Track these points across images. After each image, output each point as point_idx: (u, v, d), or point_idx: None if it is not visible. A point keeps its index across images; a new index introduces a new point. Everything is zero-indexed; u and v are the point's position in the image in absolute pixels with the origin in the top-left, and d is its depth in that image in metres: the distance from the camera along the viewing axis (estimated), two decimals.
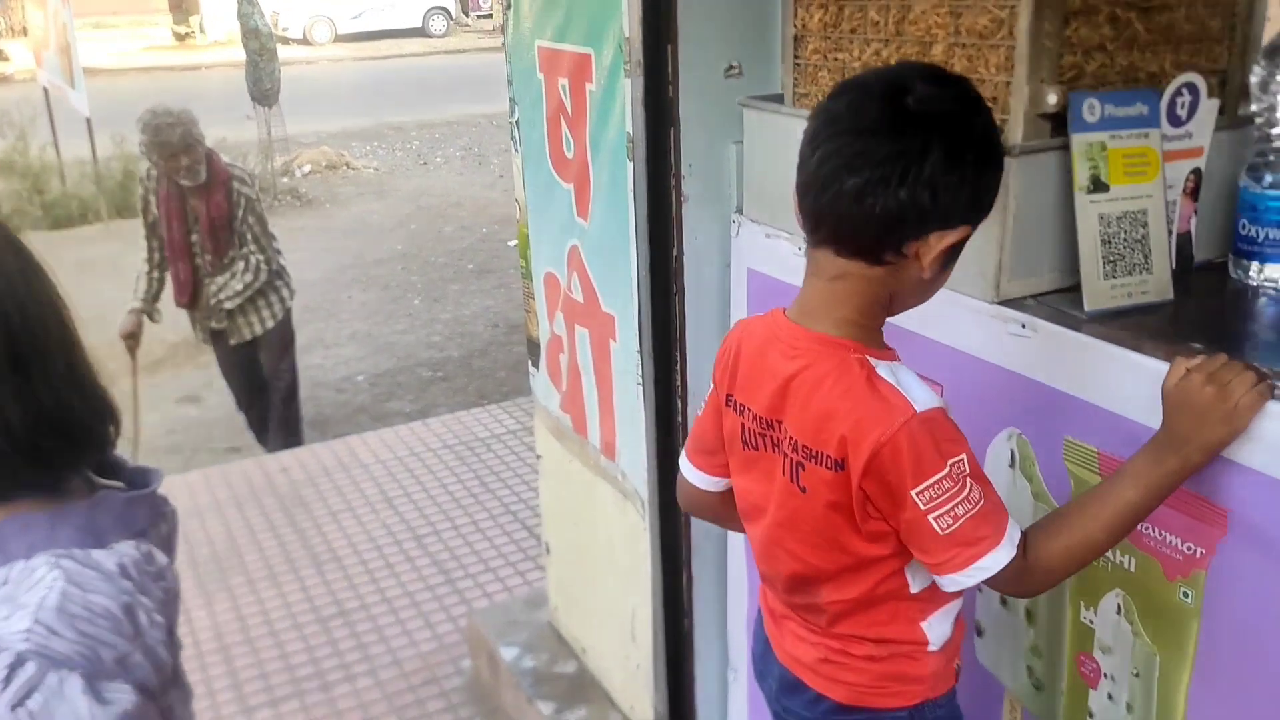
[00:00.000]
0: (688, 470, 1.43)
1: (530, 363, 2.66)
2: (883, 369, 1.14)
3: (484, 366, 5.95)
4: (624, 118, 1.92)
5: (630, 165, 1.91)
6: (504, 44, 2.38)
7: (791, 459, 1.21)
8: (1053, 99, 1.33)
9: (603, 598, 2.51)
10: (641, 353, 2.02)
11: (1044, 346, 1.35)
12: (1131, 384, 1.24)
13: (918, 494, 1.11)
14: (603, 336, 2.20)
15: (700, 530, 2.15)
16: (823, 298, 1.18)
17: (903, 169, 1.07)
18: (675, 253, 1.95)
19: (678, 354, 2.02)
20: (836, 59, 1.65)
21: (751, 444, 1.27)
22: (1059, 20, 1.33)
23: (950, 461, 1.10)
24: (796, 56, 1.73)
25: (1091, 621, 1.38)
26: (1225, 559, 1.20)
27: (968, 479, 1.12)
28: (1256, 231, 1.43)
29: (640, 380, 2.04)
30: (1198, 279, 1.48)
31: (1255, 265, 1.44)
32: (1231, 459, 1.15)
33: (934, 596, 1.26)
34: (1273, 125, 1.39)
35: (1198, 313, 1.39)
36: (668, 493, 2.11)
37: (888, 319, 1.20)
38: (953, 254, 1.14)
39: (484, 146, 12.14)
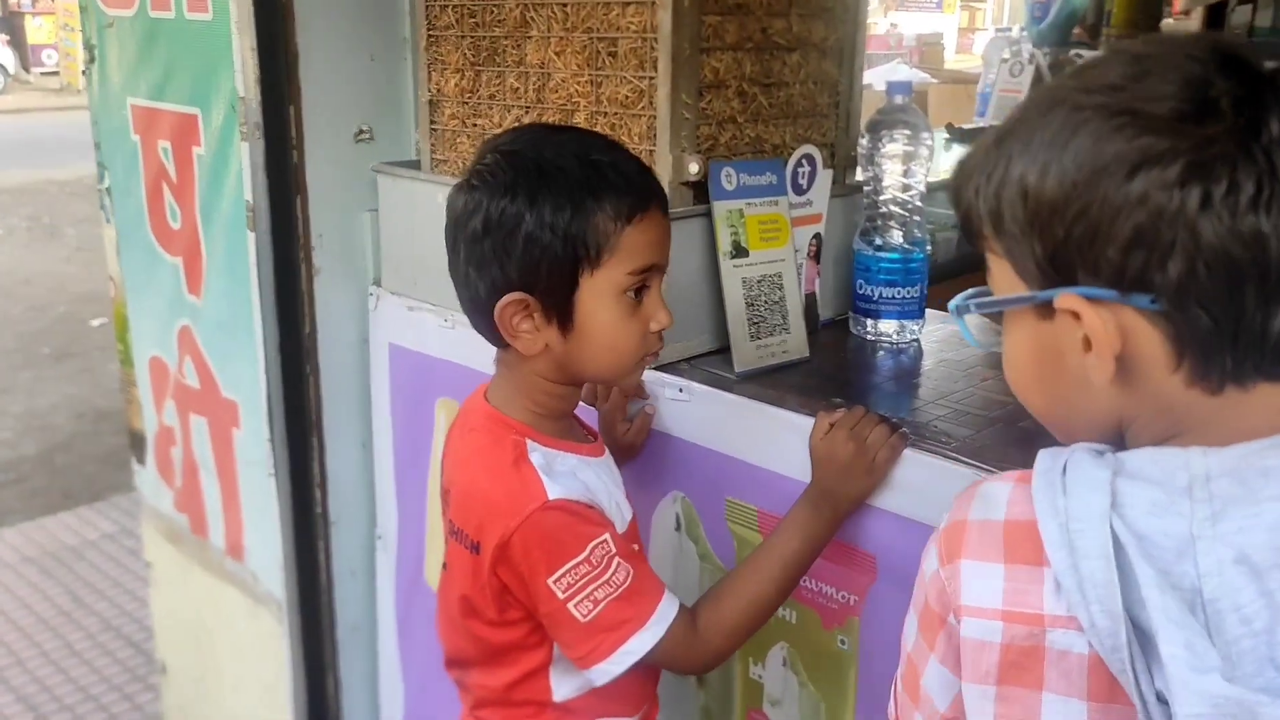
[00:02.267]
0: None
1: (134, 458, 2.34)
2: (537, 455, 1.07)
3: (68, 463, 5.25)
4: (241, 185, 1.75)
5: (252, 236, 1.74)
6: (89, 102, 2.11)
7: (447, 532, 1.15)
8: (694, 167, 1.36)
9: (234, 718, 2.23)
10: (273, 440, 1.83)
11: (701, 409, 1.37)
12: (783, 441, 1.28)
13: (554, 582, 1.02)
14: (224, 425, 1.98)
15: (347, 627, 1.98)
16: (499, 377, 1.14)
17: (454, 241, 1.07)
18: (308, 330, 1.80)
19: (315, 439, 1.85)
20: (476, 125, 1.60)
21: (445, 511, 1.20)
22: (694, 93, 1.37)
23: (591, 544, 1.03)
24: (433, 122, 1.67)
25: (760, 676, 1.41)
26: (875, 603, 1.26)
27: (613, 559, 1.04)
28: (871, 290, 1.55)
29: (273, 471, 1.85)
30: (824, 336, 1.58)
31: (870, 321, 1.56)
32: (875, 505, 1.21)
33: (588, 707, 1.16)
34: (879, 193, 1.52)
35: (830, 368, 1.48)
36: (308, 591, 1.92)
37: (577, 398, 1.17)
38: (556, 319, 1.04)
39: (55, 215, 10.90)
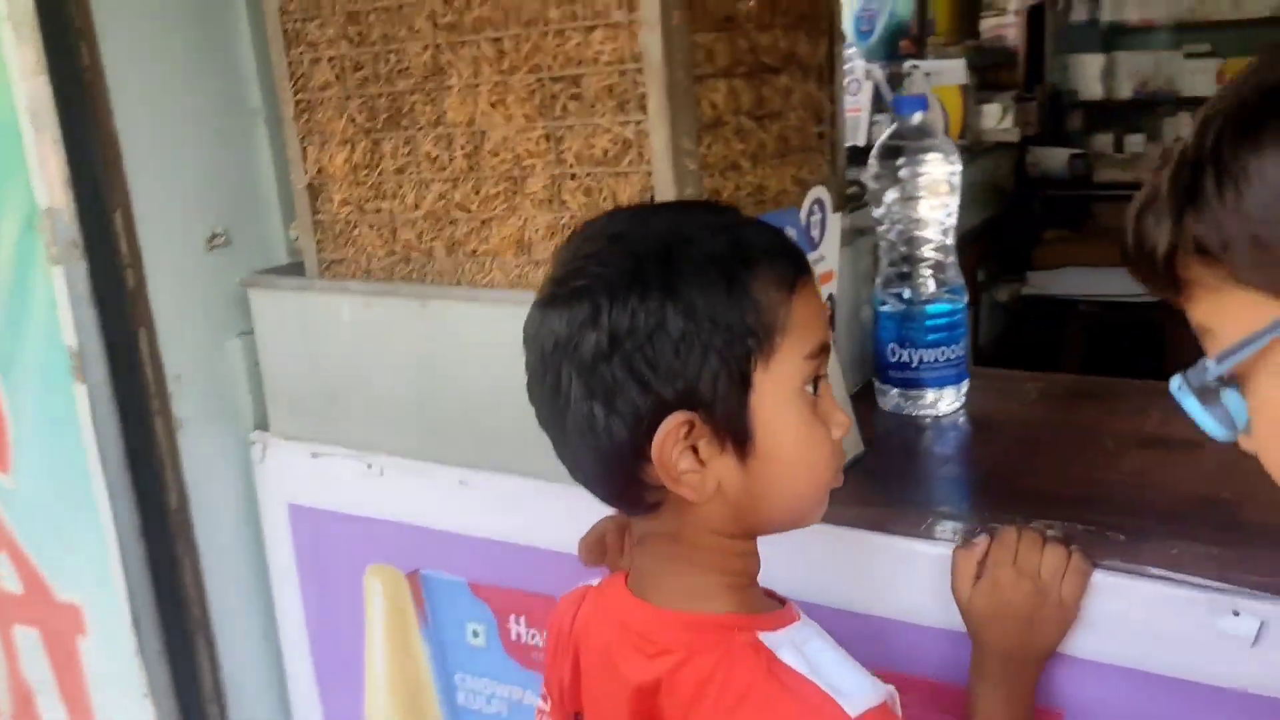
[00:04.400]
0: None
1: None
2: (786, 651, 0.72)
3: None
4: (55, 324, 1.30)
5: (81, 389, 1.30)
6: None
7: None
8: None
9: None
10: (143, 650, 1.38)
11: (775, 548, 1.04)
12: (905, 580, 0.98)
13: None
14: (63, 635, 1.50)
15: None
16: (649, 559, 0.78)
17: (555, 378, 0.73)
18: (174, 501, 1.36)
19: (201, 641, 1.41)
20: (380, 209, 1.22)
21: None
22: (694, 138, 1.05)
23: None
24: (317, 212, 1.28)
25: None
26: None
27: None
28: (909, 355, 1.26)
29: (147, 690, 1.39)
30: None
31: (910, 393, 1.27)
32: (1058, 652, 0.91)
33: None
34: (906, 235, 1.24)
35: (895, 463, 1.18)
36: None
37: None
38: (732, 440, 0.72)
39: None
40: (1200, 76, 4.42)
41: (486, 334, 1.18)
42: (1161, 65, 4.53)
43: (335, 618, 1.38)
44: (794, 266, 0.73)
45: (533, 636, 1.24)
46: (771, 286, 0.70)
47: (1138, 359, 3.80)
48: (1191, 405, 0.60)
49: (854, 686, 0.70)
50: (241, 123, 1.37)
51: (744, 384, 0.70)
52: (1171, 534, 0.93)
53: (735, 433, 0.71)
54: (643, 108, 1.02)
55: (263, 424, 1.39)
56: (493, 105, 1.12)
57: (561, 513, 0.95)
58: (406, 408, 1.26)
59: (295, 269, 1.33)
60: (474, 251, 1.20)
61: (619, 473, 0.72)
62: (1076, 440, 1.17)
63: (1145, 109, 4.63)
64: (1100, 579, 0.89)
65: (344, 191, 1.25)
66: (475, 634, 1.28)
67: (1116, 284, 3.74)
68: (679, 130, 1.02)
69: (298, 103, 1.25)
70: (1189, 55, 4.46)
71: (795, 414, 0.72)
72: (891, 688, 0.72)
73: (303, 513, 1.37)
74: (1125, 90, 4.60)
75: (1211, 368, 0.58)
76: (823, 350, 0.74)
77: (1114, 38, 4.63)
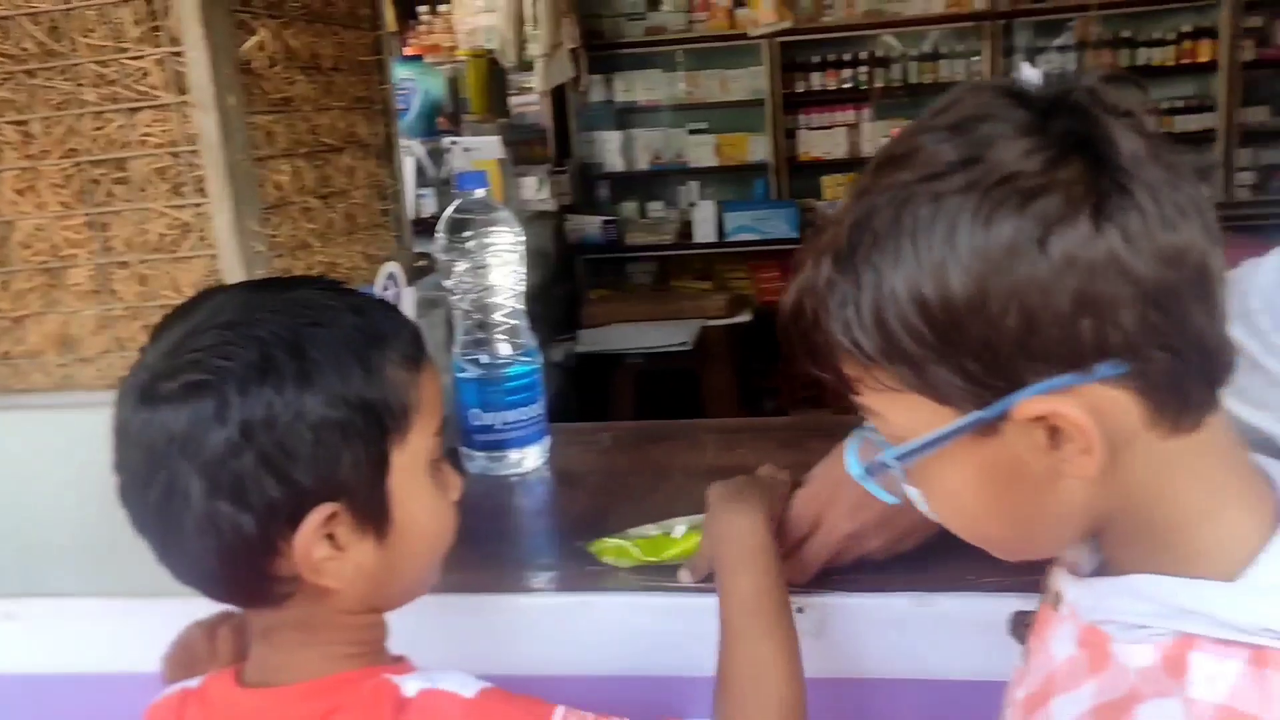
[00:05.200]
0: None
1: None
2: (410, 682, 0.71)
3: None
4: None
5: None
6: None
7: None
8: None
9: None
10: None
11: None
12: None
13: None
14: None
15: None
16: (271, 652, 0.75)
17: (170, 480, 0.69)
18: None
19: None
20: None
21: None
22: (260, 219, 1.02)
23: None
24: None
25: None
26: None
27: None
28: (492, 418, 1.30)
29: None
30: None
31: (495, 454, 1.32)
32: None
33: None
34: (478, 302, 1.29)
35: (492, 524, 1.21)
36: None
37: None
38: (373, 524, 0.71)
39: None
40: (703, 149, 5.02)
41: (30, 444, 1.06)
42: (670, 140, 5.08)
43: None
44: (418, 344, 0.74)
45: None
46: (402, 366, 0.71)
47: (680, 400, 4.19)
48: (864, 479, 0.64)
49: (473, 683, 0.72)
50: None
51: (383, 466, 0.70)
52: None
53: (376, 516, 0.70)
54: (201, 190, 0.98)
55: None
56: (19, 193, 1.01)
57: (140, 630, 0.88)
58: None
59: None
60: (6, 354, 1.07)
61: (247, 569, 0.68)
62: (652, 478, 1.28)
63: (661, 179, 5.16)
64: (687, 601, 0.98)
65: None
66: None
67: (655, 336, 4.11)
68: (243, 212, 0.99)
69: None
70: (692, 131, 5.04)
71: (428, 489, 0.73)
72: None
73: None
74: (643, 162, 5.09)
75: (891, 462, 0.62)
76: (443, 426, 0.76)
77: (628, 116, 5.12)
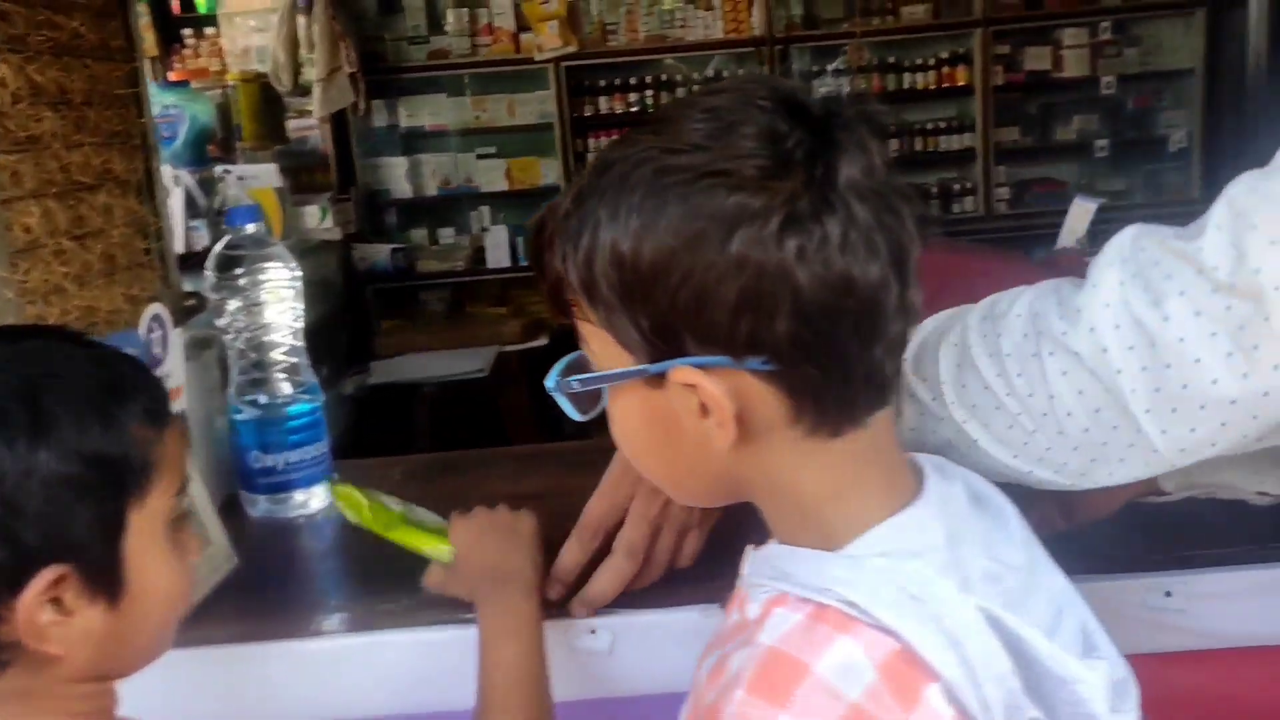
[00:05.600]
0: None
1: None
2: None
3: None
4: None
5: None
6: None
7: None
8: None
9: None
10: None
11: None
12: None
13: None
14: None
15: None
16: None
17: None
18: None
19: None
20: None
21: None
22: (8, 264, 0.96)
23: None
24: None
25: None
26: None
27: None
28: (275, 460, 1.27)
29: None
30: None
31: (279, 497, 1.28)
32: None
33: None
34: (253, 341, 1.25)
35: (281, 570, 1.18)
36: None
37: None
38: (105, 587, 0.68)
39: None
40: (493, 173, 5.02)
41: None
42: (459, 165, 5.05)
43: None
44: (163, 400, 0.71)
45: None
46: (145, 422, 0.68)
47: (479, 428, 4.16)
48: (553, 391, 0.72)
49: None
50: None
51: (119, 527, 0.67)
52: None
53: (109, 579, 0.67)
54: None
55: None
56: None
57: None
58: None
59: None
60: None
61: None
62: (445, 510, 1.26)
63: (451, 204, 5.12)
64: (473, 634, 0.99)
65: None
66: None
67: (450, 364, 4.07)
68: None
69: None
70: (480, 156, 5.03)
71: (165, 551, 0.71)
72: None
73: None
74: (431, 188, 5.04)
75: (574, 384, 0.71)
76: (186, 482, 0.73)
77: (414, 141, 5.06)
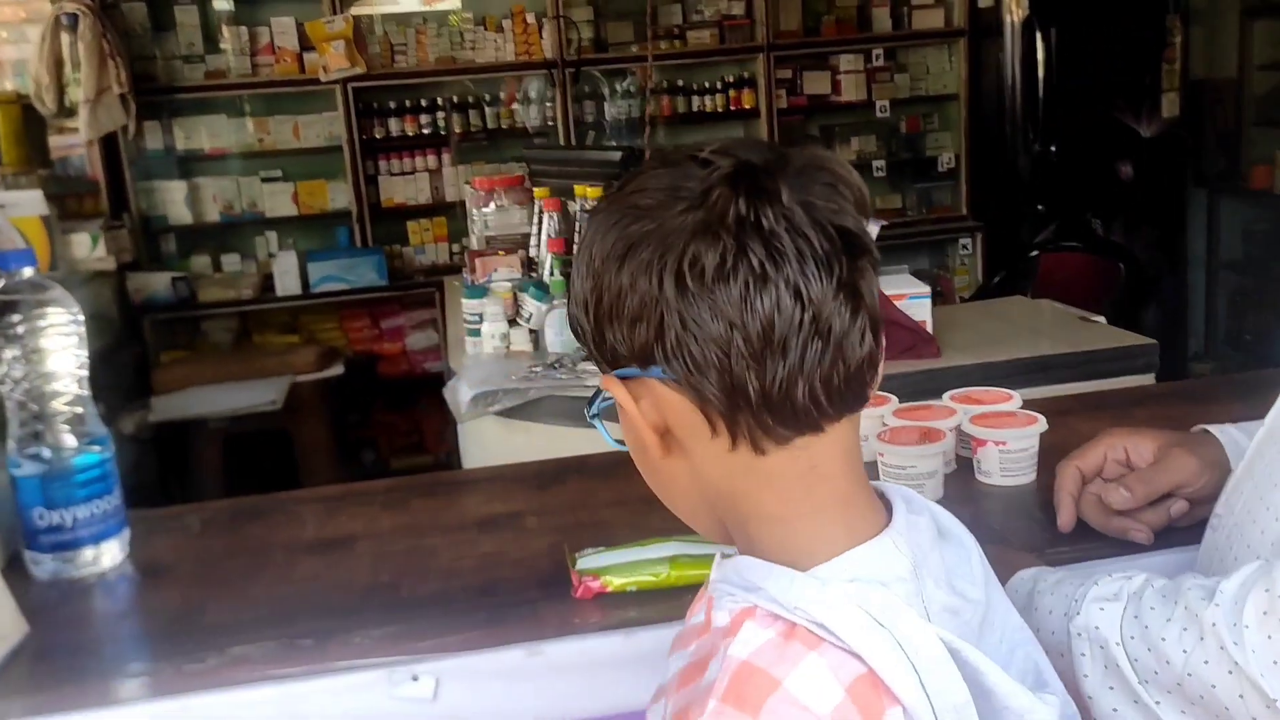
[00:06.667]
0: None
1: None
2: None
3: None
4: None
5: None
6: None
7: None
8: None
9: None
10: None
11: None
12: None
13: None
14: None
15: None
16: None
17: None
18: None
19: None
20: None
21: None
22: None
23: None
24: None
25: None
26: None
27: None
28: (62, 517, 1.18)
29: None
30: None
31: (67, 555, 1.20)
32: None
33: None
34: (32, 393, 1.17)
35: (81, 637, 1.10)
36: None
37: None
38: None
39: None
40: (280, 198, 4.83)
41: None
42: (243, 189, 4.83)
43: None
44: None
45: None
46: None
47: (273, 462, 4.00)
48: (593, 420, 0.76)
49: None
50: None
51: None
52: (352, 626, 1.04)
53: None
54: None
55: None
56: None
57: None
58: None
59: None
60: None
61: None
62: (250, 561, 1.22)
63: (235, 230, 4.89)
64: (296, 688, 0.96)
65: None
66: None
67: (240, 397, 3.89)
68: None
69: None
70: (265, 180, 4.83)
71: None
72: None
73: None
74: (213, 214, 4.80)
75: (595, 409, 0.75)
76: None
77: (192, 165, 4.81)
